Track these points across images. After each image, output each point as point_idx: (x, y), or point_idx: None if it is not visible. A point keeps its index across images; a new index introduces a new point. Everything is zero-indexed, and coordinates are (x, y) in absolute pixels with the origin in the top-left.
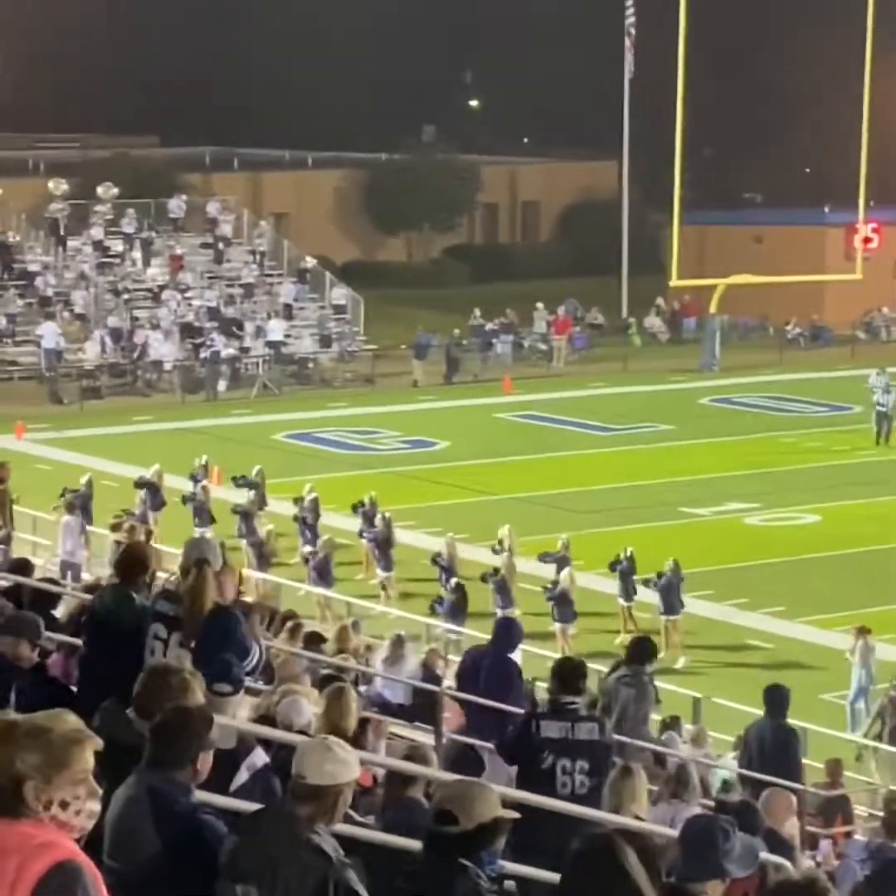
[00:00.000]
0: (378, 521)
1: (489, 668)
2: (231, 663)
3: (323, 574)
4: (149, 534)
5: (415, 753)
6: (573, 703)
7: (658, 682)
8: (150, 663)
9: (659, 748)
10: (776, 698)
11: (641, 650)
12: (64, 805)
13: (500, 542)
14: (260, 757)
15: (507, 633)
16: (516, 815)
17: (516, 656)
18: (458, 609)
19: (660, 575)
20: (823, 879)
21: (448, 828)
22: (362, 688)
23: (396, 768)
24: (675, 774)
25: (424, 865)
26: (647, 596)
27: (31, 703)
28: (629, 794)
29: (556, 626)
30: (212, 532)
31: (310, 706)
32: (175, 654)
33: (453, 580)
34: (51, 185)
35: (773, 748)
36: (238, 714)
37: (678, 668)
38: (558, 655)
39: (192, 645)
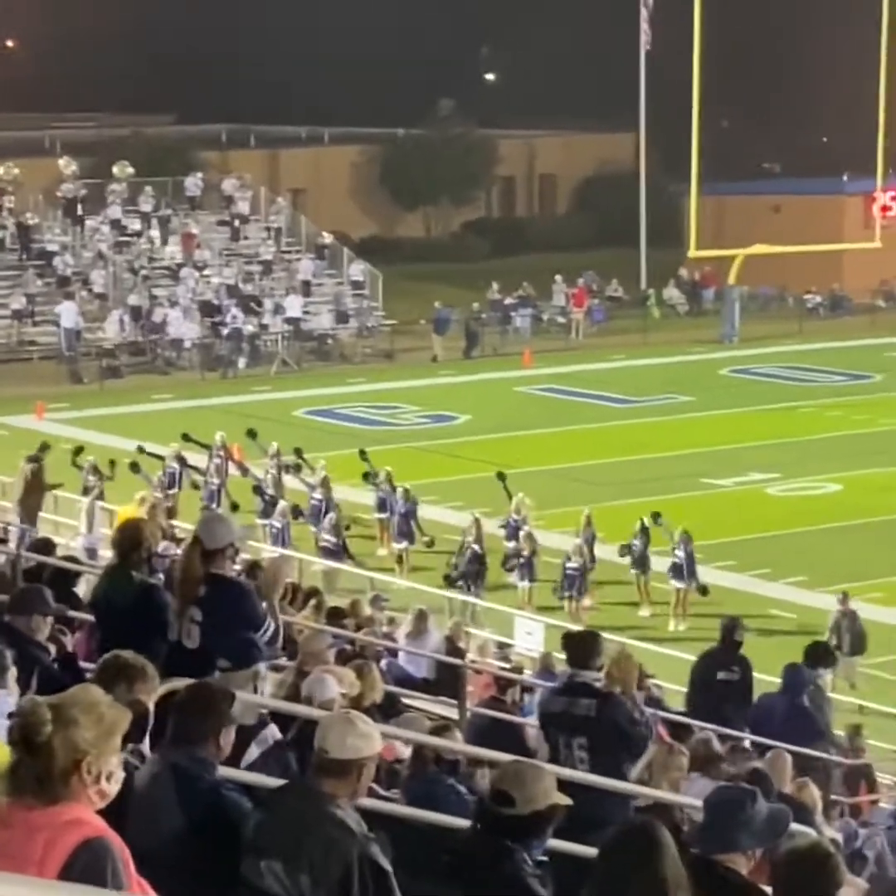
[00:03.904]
0: (399, 494)
1: (785, 720)
2: (249, 641)
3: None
4: (169, 511)
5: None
6: (585, 676)
7: (677, 653)
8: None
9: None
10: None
11: (815, 655)
12: (109, 776)
13: (519, 517)
14: (272, 733)
15: (797, 680)
16: (569, 800)
17: None
18: (478, 577)
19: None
20: (827, 844)
21: (504, 809)
22: (383, 662)
23: (419, 742)
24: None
25: (471, 843)
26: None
27: (52, 686)
28: (660, 770)
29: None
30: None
31: (335, 683)
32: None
33: (471, 549)
34: (61, 163)
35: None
36: (265, 691)
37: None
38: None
39: (200, 616)
